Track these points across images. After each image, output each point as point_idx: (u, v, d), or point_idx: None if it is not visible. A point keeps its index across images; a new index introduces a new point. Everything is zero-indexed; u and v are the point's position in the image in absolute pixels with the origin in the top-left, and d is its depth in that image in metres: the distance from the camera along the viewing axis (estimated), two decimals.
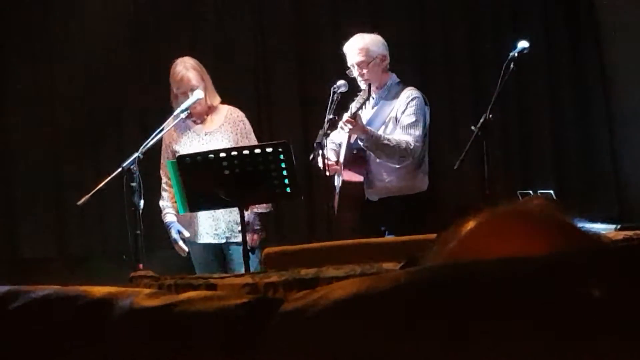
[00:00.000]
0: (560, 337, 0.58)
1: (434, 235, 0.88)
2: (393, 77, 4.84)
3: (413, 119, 4.69)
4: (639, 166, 6.24)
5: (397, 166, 4.67)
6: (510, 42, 4.96)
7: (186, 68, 4.76)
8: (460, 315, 0.61)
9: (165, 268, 4.53)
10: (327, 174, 4.72)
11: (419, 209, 4.69)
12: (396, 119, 4.71)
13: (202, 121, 4.85)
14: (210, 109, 4.85)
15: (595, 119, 6.49)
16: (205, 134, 4.82)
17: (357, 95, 4.68)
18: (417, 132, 4.68)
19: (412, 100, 4.71)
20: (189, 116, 4.81)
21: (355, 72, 4.74)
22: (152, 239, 5.21)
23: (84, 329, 0.69)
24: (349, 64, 4.77)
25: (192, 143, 4.80)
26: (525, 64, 5.34)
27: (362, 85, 4.72)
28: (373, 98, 4.78)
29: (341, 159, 4.74)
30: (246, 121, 4.89)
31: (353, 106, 4.59)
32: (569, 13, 6.54)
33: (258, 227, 4.79)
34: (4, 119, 6.38)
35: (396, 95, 4.76)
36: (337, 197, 4.80)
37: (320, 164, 4.61)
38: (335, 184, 4.84)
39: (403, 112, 4.70)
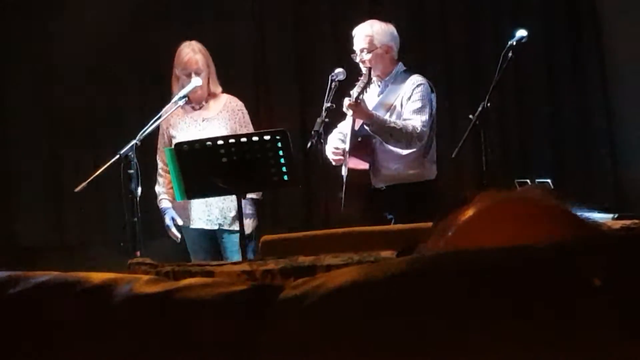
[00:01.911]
0: (560, 325, 0.58)
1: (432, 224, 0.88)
2: (399, 66, 4.84)
3: (419, 104, 4.68)
4: (637, 156, 6.24)
5: (404, 153, 4.65)
6: (509, 31, 4.95)
7: (194, 51, 4.76)
8: (460, 303, 0.61)
9: (162, 255, 4.52)
10: (334, 163, 4.72)
11: (427, 198, 4.65)
12: (401, 105, 4.70)
13: (201, 107, 4.85)
14: (210, 96, 4.85)
15: (594, 109, 6.49)
16: (203, 120, 4.82)
17: (357, 81, 4.68)
18: (424, 117, 4.66)
19: (417, 86, 4.71)
20: (188, 102, 4.81)
21: (357, 58, 4.76)
22: (149, 226, 5.20)
23: (84, 315, 0.69)
24: (354, 48, 4.78)
25: (189, 129, 4.79)
26: (524, 52, 5.33)
27: (364, 70, 4.72)
28: (378, 86, 4.78)
29: (347, 147, 4.72)
30: (245, 111, 4.89)
31: (354, 91, 4.58)
32: (569, 2, 6.54)
33: (250, 212, 4.78)
34: (2, 108, 6.37)
35: (402, 83, 4.75)
36: (344, 187, 4.78)
37: (328, 154, 4.64)
38: (343, 173, 4.82)
39: (409, 98, 4.70)
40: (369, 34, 4.75)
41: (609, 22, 6.40)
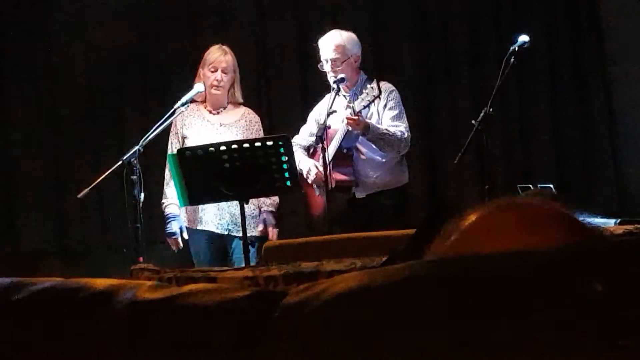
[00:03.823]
0: (561, 332, 0.58)
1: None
2: (362, 75, 4.84)
3: (397, 110, 4.73)
4: (639, 160, 6.24)
5: (383, 160, 4.71)
6: (511, 36, 4.96)
7: (224, 52, 4.80)
8: (463, 309, 0.61)
9: (165, 261, 4.53)
10: (309, 181, 4.74)
11: (405, 202, 4.80)
12: (378, 113, 4.71)
13: (218, 113, 4.85)
14: (231, 103, 4.86)
15: (596, 113, 6.49)
16: (221, 125, 4.80)
17: (332, 90, 4.70)
18: (405, 122, 4.72)
19: (390, 93, 4.74)
20: (204, 105, 4.82)
21: (327, 68, 4.72)
22: (152, 232, 5.20)
23: (86, 321, 0.69)
24: (322, 58, 4.76)
25: (204, 131, 4.77)
26: (526, 58, 5.34)
27: (331, 80, 4.70)
28: (345, 97, 4.76)
29: (329, 158, 4.67)
30: (260, 125, 4.91)
31: (357, 105, 4.55)
32: (570, 7, 6.54)
33: (275, 222, 4.84)
34: (3, 112, 6.38)
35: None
36: (319, 200, 4.82)
37: (305, 169, 4.70)
38: (314, 187, 4.84)
39: (385, 105, 4.71)
40: (341, 44, 4.73)
41: (611, 26, 6.40)
